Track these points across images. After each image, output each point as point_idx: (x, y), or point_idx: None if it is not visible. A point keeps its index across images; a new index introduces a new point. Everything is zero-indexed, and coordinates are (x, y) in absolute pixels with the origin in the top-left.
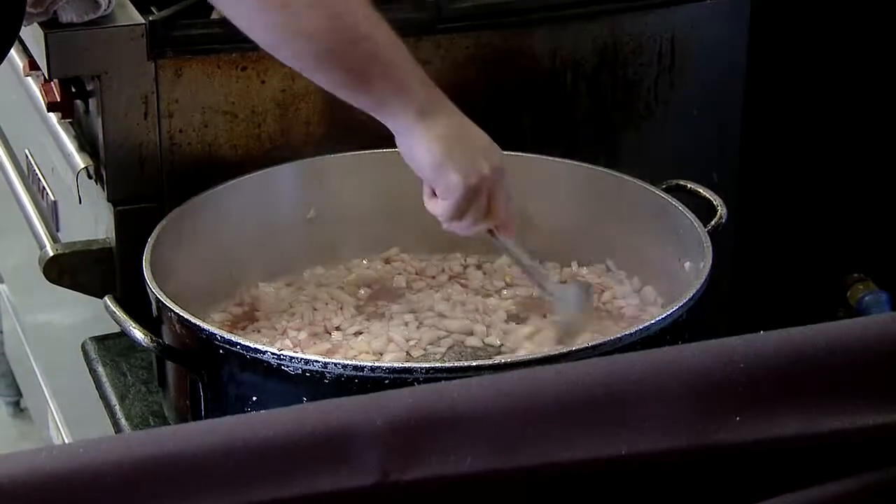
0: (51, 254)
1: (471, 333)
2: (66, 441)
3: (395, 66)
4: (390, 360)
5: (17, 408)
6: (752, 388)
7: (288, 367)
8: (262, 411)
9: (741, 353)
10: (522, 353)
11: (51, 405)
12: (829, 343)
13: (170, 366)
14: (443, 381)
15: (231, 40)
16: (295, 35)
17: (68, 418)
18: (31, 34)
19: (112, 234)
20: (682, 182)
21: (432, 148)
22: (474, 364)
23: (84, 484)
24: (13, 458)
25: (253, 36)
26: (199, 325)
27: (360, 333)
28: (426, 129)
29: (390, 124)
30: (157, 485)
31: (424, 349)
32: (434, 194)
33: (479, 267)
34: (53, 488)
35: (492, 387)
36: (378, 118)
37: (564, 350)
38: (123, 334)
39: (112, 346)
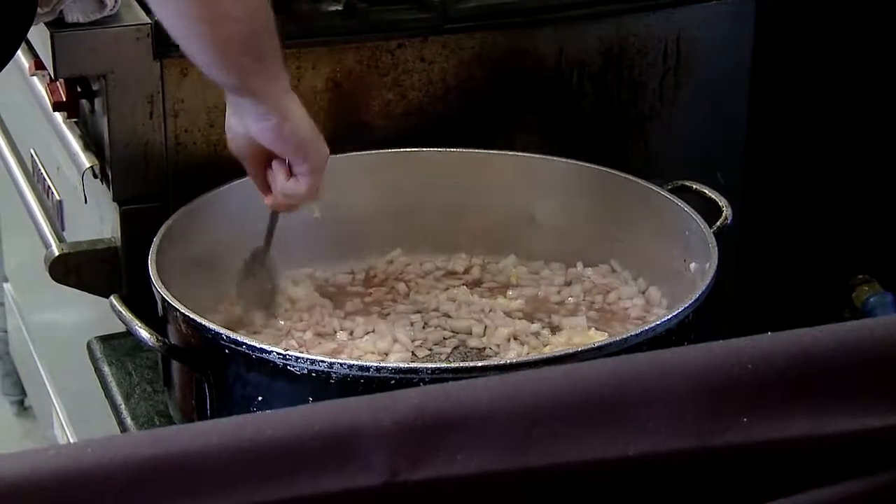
0: (56, 253)
1: (481, 335)
2: (71, 440)
3: (276, 42)
4: (396, 361)
5: (21, 406)
6: (760, 389)
7: (294, 367)
8: (269, 411)
9: (749, 354)
10: (528, 355)
11: (55, 404)
12: (837, 344)
13: (175, 365)
14: (450, 382)
15: None
16: (223, 20)
17: (72, 417)
18: (37, 34)
19: (117, 234)
20: (687, 183)
21: (307, 121)
22: (480, 364)
23: (91, 483)
24: (20, 457)
25: (168, 24)
26: (204, 325)
27: (366, 333)
28: (297, 107)
29: (269, 103)
30: (164, 484)
31: (430, 349)
32: (290, 174)
33: (484, 267)
34: (60, 487)
35: (499, 387)
36: (252, 100)
37: (570, 351)
38: (128, 334)
39: (117, 346)
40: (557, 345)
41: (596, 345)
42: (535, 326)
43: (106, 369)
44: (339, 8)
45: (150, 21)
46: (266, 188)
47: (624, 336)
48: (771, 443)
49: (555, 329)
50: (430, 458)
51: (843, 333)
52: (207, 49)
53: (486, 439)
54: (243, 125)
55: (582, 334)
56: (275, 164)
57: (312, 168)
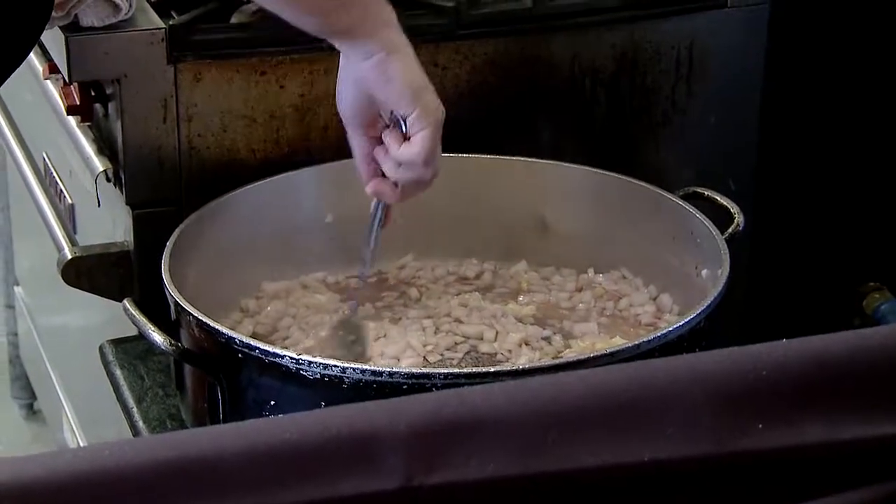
0: (69, 256)
1: (493, 340)
2: (81, 444)
3: None
4: (407, 365)
5: (31, 410)
6: (775, 395)
7: (306, 371)
8: (286, 415)
9: (764, 361)
10: (539, 360)
11: (65, 407)
12: (851, 352)
13: (188, 369)
14: (465, 387)
15: (250, 45)
16: None
17: (83, 421)
18: (52, 38)
19: (130, 238)
20: (699, 189)
21: (416, 69)
22: (493, 370)
23: (107, 486)
24: (36, 460)
25: None
26: (217, 329)
27: (377, 338)
28: (409, 49)
29: (367, 45)
30: (180, 487)
31: (441, 354)
32: (404, 139)
33: (495, 273)
34: (77, 490)
35: (515, 392)
36: (347, 43)
37: (583, 357)
38: (140, 337)
39: (129, 349)
40: (580, 350)
41: (608, 351)
42: (547, 332)
43: (118, 373)
44: None
45: (164, 25)
46: (370, 171)
47: (636, 342)
48: (785, 449)
49: (566, 335)
50: (446, 463)
51: (857, 341)
52: None
53: (502, 444)
54: (351, 76)
55: (604, 341)
56: (385, 133)
57: (425, 118)
